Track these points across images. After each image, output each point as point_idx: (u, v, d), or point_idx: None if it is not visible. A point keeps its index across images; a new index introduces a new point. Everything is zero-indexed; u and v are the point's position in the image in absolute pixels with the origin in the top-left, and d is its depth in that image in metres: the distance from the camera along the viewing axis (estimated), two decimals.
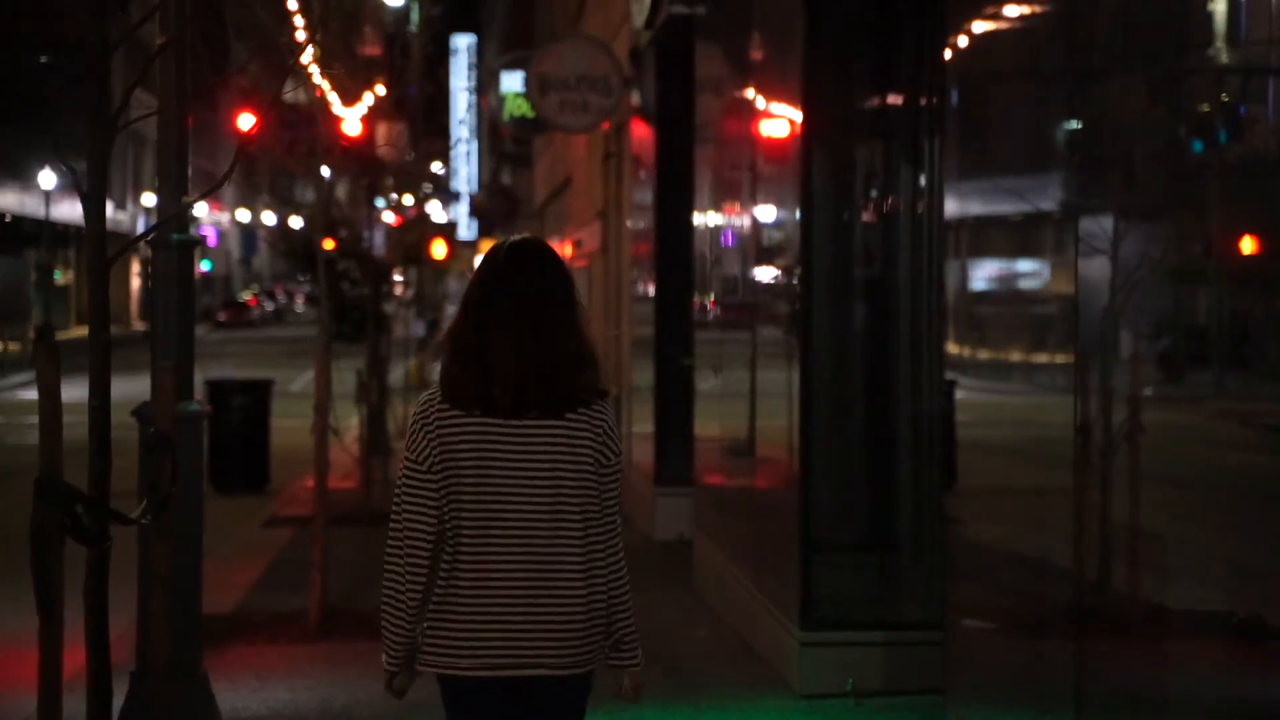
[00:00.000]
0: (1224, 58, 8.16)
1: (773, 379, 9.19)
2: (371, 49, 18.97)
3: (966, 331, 8.32)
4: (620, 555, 4.21)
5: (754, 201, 9.74)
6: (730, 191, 10.65)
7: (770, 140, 9.25)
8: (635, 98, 15.12)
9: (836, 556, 8.22)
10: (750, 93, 9.87)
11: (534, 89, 15.37)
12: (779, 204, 9.05)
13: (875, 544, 8.34)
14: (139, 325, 65.40)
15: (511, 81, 19.51)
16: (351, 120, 15.59)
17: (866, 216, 8.66)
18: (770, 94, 9.25)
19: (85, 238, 3.70)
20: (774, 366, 9.18)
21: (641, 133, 15.00)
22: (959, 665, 6.45)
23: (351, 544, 13.52)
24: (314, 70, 13.58)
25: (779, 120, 8.95)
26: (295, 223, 24.20)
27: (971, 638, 6.36)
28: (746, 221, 10.07)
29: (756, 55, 9.76)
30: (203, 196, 4.66)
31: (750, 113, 9.78)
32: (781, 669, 8.18)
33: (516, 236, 4.31)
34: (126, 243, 3.95)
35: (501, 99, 19.55)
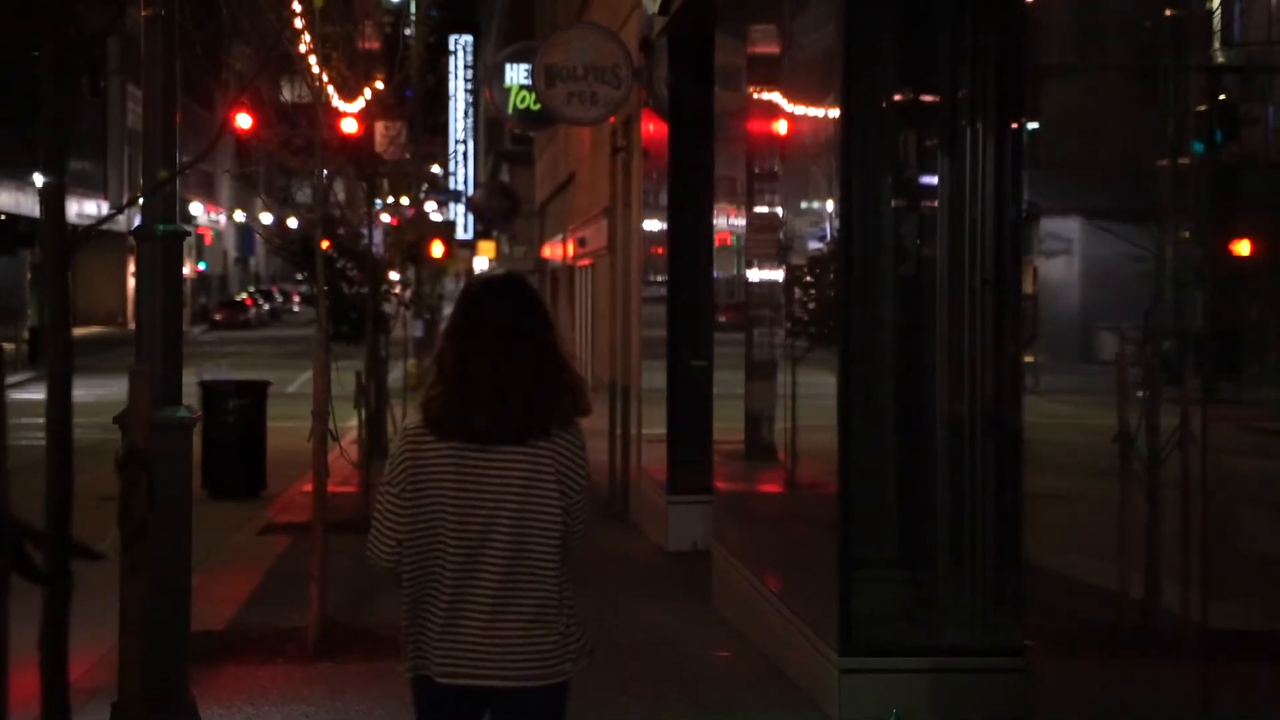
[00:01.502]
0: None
1: (801, 382, 8.62)
2: (370, 44, 18.49)
3: None
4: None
5: (782, 198, 9.13)
6: (755, 187, 10.03)
7: (802, 132, 8.64)
8: (646, 89, 14.53)
9: (876, 573, 7.60)
10: (778, 81, 9.26)
11: (540, 80, 14.75)
12: (812, 200, 8.44)
13: (910, 560, 7.71)
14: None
15: (516, 74, 18.91)
16: (350, 116, 15.11)
17: (910, 213, 8.05)
18: (802, 82, 8.63)
19: (43, 219, 3.10)
20: (801, 369, 8.61)
21: (652, 125, 14.40)
22: (1042, 695, 5.86)
23: (351, 553, 12.90)
24: (312, 61, 13.07)
25: (813, 111, 8.35)
26: (292, 223, 23.68)
27: (1056, 664, 5.78)
28: (774, 218, 9.47)
29: (786, 40, 9.14)
30: (189, 165, 4.10)
31: (778, 102, 9.17)
32: (816, 697, 7.58)
33: (492, 273, 4.74)
34: (87, 227, 3.34)
35: (506, 92, 18.93)
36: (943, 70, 7.91)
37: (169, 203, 6.28)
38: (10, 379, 38.85)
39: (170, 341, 6.33)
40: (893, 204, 7.99)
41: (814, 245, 8.42)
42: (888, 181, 8.00)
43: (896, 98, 8.07)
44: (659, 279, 13.95)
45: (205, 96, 75.42)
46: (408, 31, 19.24)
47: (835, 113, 7.66)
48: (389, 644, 9.50)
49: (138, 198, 5.37)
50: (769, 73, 9.65)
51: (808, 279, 8.59)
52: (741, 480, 10.51)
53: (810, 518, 8.26)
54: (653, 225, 14.42)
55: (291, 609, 10.32)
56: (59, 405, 2.95)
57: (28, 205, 49.13)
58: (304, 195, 19.88)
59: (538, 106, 17.83)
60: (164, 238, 6.25)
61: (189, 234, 6.54)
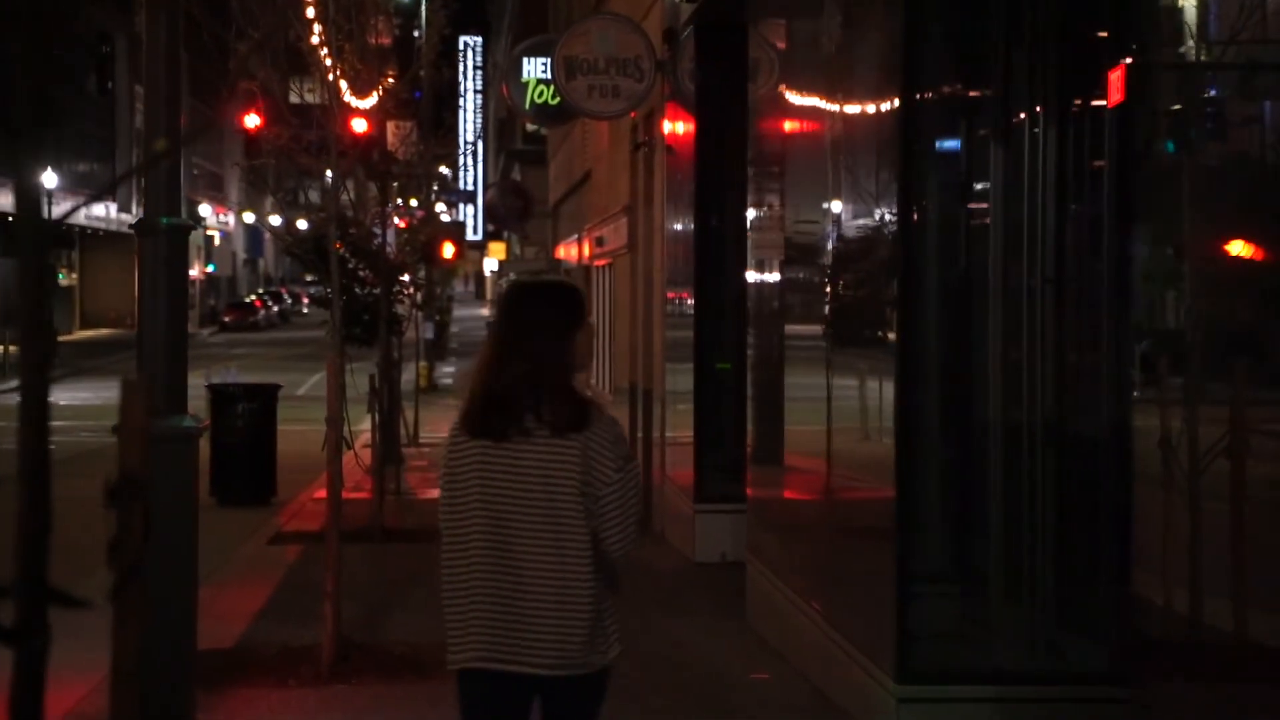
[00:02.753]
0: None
1: (846, 385, 8.10)
2: (383, 39, 18.05)
3: None
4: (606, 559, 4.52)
5: (824, 194, 8.56)
6: (793, 183, 9.46)
7: (849, 124, 8.08)
8: (670, 82, 13.99)
9: (937, 591, 7.01)
10: (820, 71, 8.70)
11: (560, 73, 14.22)
12: (864, 199, 7.86)
13: (975, 577, 7.09)
14: None
15: (533, 68, 18.38)
16: (361, 116, 14.65)
17: (971, 208, 7.45)
18: (849, 71, 8.06)
19: (16, 201, 2.60)
20: (847, 372, 8.09)
21: (676, 120, 13.87)
22: None
23: (366, 565, 12.45)
24: (324, 53, 12.61)
25: (862, 102, 7.80)
26: (302, 224, 23.26)
27: (1169, 694, 5.24)
28: (816, 216, 8.92)
29: (830, 27, 8.57)
30: (194, 137, 3.59)
31: (821, 94, 8.61)
32: None
33: (527, 277, 4.83)
34: (57, 219, 2.83)
35: (523, 86, 18.40)
36: (1004, 57, 7.36)
37: (173, 194, 5.77)
38: (17, 381, 38.61)
39: (174, 343, 5.82)
40: (953, 199, 7.42)
41: (862, 243, 7.88)
42: (948, 175, 7.43)
43: (959, 87, 7.49)
44: (685, 278, 13.42)
45: (213, 98, 75.13)
46: (416, 34, 18.78)
47: (890, 104, 7.13)
48: (408, 664, 9.01)
49: (123, 178, 4.85)
50: (810, 63, 9.11)
51: (855, 278, 8.06)
52: (778, 488, 9.95)
53: (859, 530, 7.71)
54: (678, 223, 13.89)
55: (304, 625, 9.81)
56: (33, 427, 2.44)
57: None
58: (314, 195, 19.44)
59: (556, 101, 17.32)
60: (168, 231, 5.74)
61: (194, 228, 6.00)
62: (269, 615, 10.69)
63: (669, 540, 13.60)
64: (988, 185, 7.23)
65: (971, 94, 7.42)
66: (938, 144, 7.35)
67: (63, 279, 58.54)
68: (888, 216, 7.20)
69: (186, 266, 5.98)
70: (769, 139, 10.23)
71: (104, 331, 56.53)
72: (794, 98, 9.38)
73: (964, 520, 7.01)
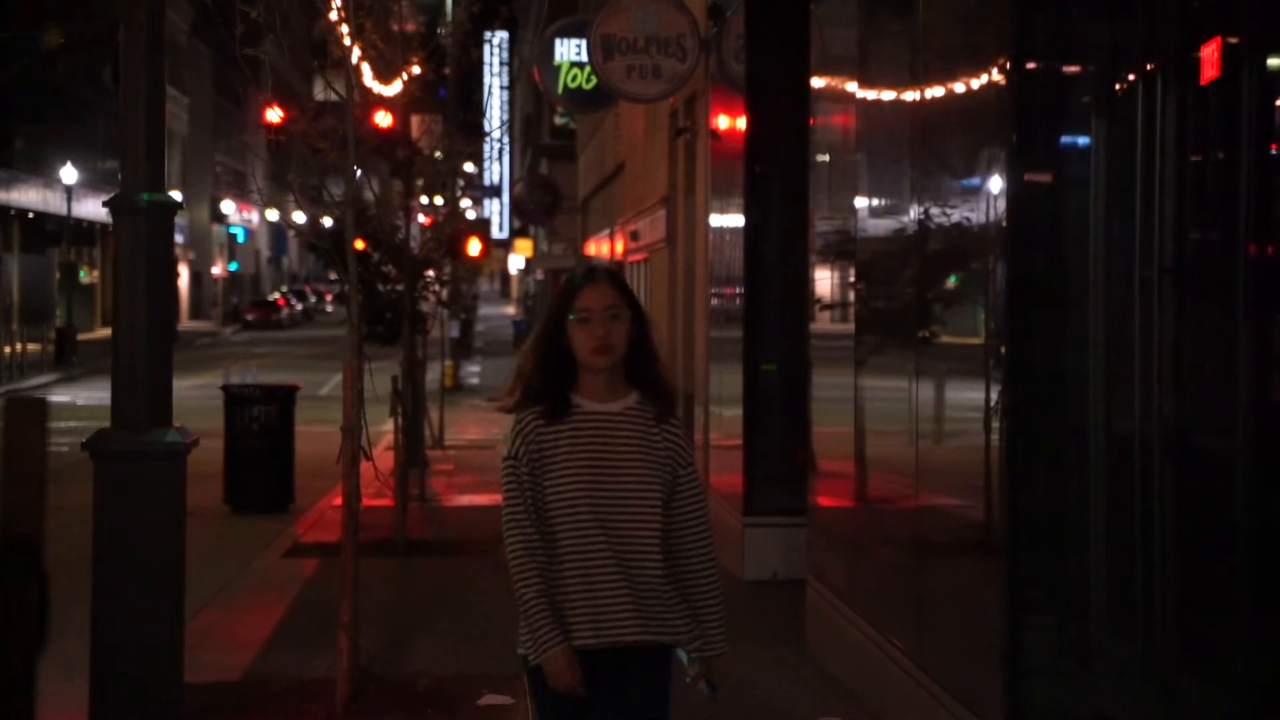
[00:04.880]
0: None
1: (929, 390, 7.14)
2: (407, 25, 17.26)
3: None
4: None
5: (908, 181, 7.56)
6: (869, 171, 8.46)
7: (938, 107, 7.09)
8: (715, 62, 13.02)
9: (1051, 627, 6.00)
10: (906, 47, 7.71)
11: (596, 52, 13.25)
12: (953, 186, 6.88)
13: (1097, 616, 6.06)
14: (189, 323, 63.84)
15: (566, 50, 17.44)
16: (383, 110, 13.84)
17: (1082, 195, 6.42)
18: (942, 46, 7.07)
19: None
20: (930, 376, 7.14)
21: (722, 103, 12.89)
22: None
23: (386, 582, 11.52)
24: (344, 30, 11.72)
25: (956, 81, 6.81)
26: (326, 221, 22.52)
27: None
28: (896, 207, 7.93)
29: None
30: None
31: (903, 72, 7.62)
32: None
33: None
34: None
35: (555, 70, 17.46)
36: (1113, 23, 6.37)
37: (155, 166, 4.84)
38: (36, 380, 37.68)
39: (156, 345, 4.87)
40: (1062, 185, 6.40)
41: (950, 234, 6.89)
42: (1060, 156, 6.42)
43: (1074, 58, 6.46)
44: (732, 273, 12.45)
45: (236, 94, 74.42)
46: (440, 30, 18.02)
47: (991, 77, 6.17)
48: (432, 699, 8.08)
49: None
50: (884, 37, 8.14)
51: (943, 272, 7.08)
52: (847, 502, 8.93)
53: (952, 555, 6.74)
54: (724, 214, 12.92)
55: (318, 652, 8.91)
56: None
57: (56, 203, 48.02)
58: (337, 191, 18.64)
59: (590, 85, 16.43)
60: (149, 210, 4.81)
61: (180, 206, 5.06)
62: (280, 641, 9.74)
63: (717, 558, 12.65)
64: (1105, 167, 6.22)
65: (1087, 67, 6.41)
66: (1050, 122, 6.34)
67: (84, 276, 57.93)
68: (985, 205, 6.23)
69: (171, 252, 5.05)
70: (834, 122, 9.26)
71: None
72: (865, 76, 8.40)
73: (1084, 547, 5.99)
